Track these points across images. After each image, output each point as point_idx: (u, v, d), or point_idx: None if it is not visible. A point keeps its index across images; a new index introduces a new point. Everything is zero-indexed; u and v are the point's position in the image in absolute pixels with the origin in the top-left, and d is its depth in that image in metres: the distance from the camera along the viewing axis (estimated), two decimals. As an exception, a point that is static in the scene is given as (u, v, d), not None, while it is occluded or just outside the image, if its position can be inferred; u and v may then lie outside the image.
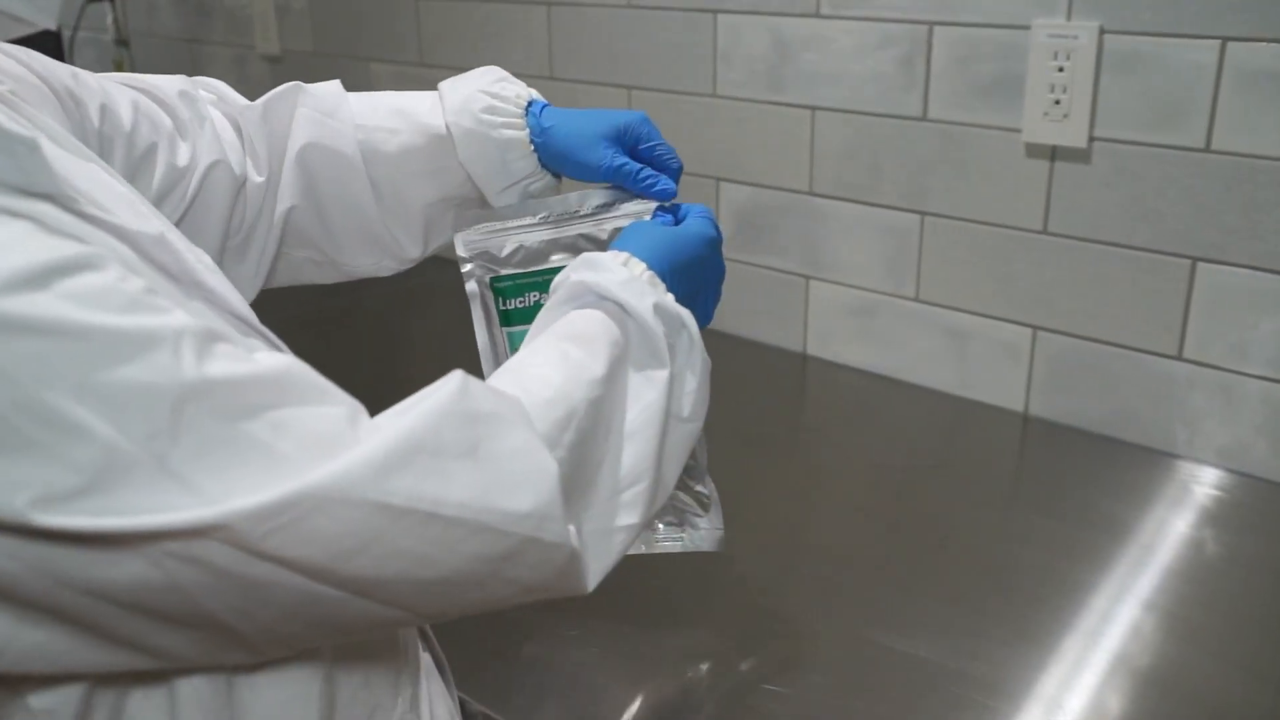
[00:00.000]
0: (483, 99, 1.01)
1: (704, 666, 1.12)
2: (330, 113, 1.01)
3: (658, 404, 0.80)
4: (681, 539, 1.00)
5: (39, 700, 0.63)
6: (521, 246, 0.97)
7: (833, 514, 1.42)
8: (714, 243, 0.92)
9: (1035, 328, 1.57)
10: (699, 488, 0.99)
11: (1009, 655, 1.12)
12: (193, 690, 0.67)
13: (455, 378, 0.66)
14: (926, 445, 1.57)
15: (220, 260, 1.00)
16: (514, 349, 0.97)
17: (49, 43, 2.79)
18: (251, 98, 1.04)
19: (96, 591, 0.57)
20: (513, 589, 0.68)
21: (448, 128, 1.00)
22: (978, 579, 1.25)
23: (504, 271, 0.98)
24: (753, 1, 1.70)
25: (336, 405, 0.62)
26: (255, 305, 0.87)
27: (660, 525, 1.01)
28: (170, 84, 0.98)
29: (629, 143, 0.98)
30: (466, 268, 0.98)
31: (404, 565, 0.62)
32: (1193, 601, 1.20)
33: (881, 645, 1.14)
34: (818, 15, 1.64)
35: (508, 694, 1.08)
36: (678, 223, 0.94)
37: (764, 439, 1.59)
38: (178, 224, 0.94)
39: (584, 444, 0.74)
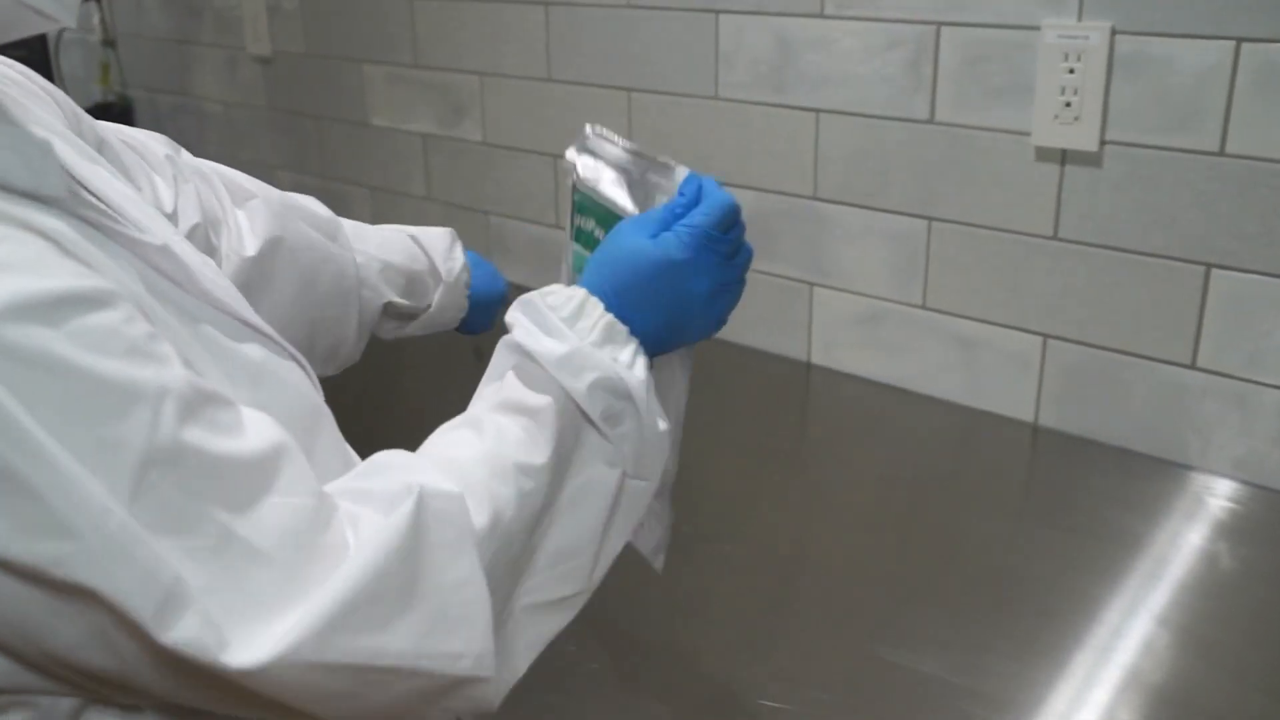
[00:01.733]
0: (465, 274, 1.25)
1: (704, 680, 1.12)
2: (333, 236, 1.15)
3: (603, 476, 0.79)
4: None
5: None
6: (607, 165, 0.95)
7: (838, 527, 1.42)
8: (675, 266, 0.83)
9: (1045, 336, 1.57)
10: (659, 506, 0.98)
11: (1018, 671, 1.12)
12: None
13: (409, 505, 0.65)
14: (934, 456, 1.57)
15: None
16: (574, 268, 0.96)
17: (34, 42, 2.80)
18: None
19: (34, 640, 0.57)
20: (444, 715, 0.70)
21: (442, 288, 1.22)
22: (986, 592, 1.25)
23: (581, 183, 0.95)
24: (755, 1, 1.71)
25: (303, 497, 0.63)
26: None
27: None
28: (157, 144, 1.04)
29: None
30: (570, 154, 0.97)
31: (337, 703, 0.63)
32: (1207, 616, 1.20)
33: (886, 660, 1.14)
34: (822, 15, 1.65)
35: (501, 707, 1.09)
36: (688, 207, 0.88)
37: (767, 450, 1.59)
38: None
39: (511, 546, 0.73)
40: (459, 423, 0.79)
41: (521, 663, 0.75)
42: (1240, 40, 1.32)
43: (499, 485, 0.73)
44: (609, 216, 0.91)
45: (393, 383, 1.88)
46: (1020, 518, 1.43)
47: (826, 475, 1.55)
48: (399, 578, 0.64)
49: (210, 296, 0.73)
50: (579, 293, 0.82)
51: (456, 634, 0.66)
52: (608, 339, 0.80)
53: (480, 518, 0.70)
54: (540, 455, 0.75)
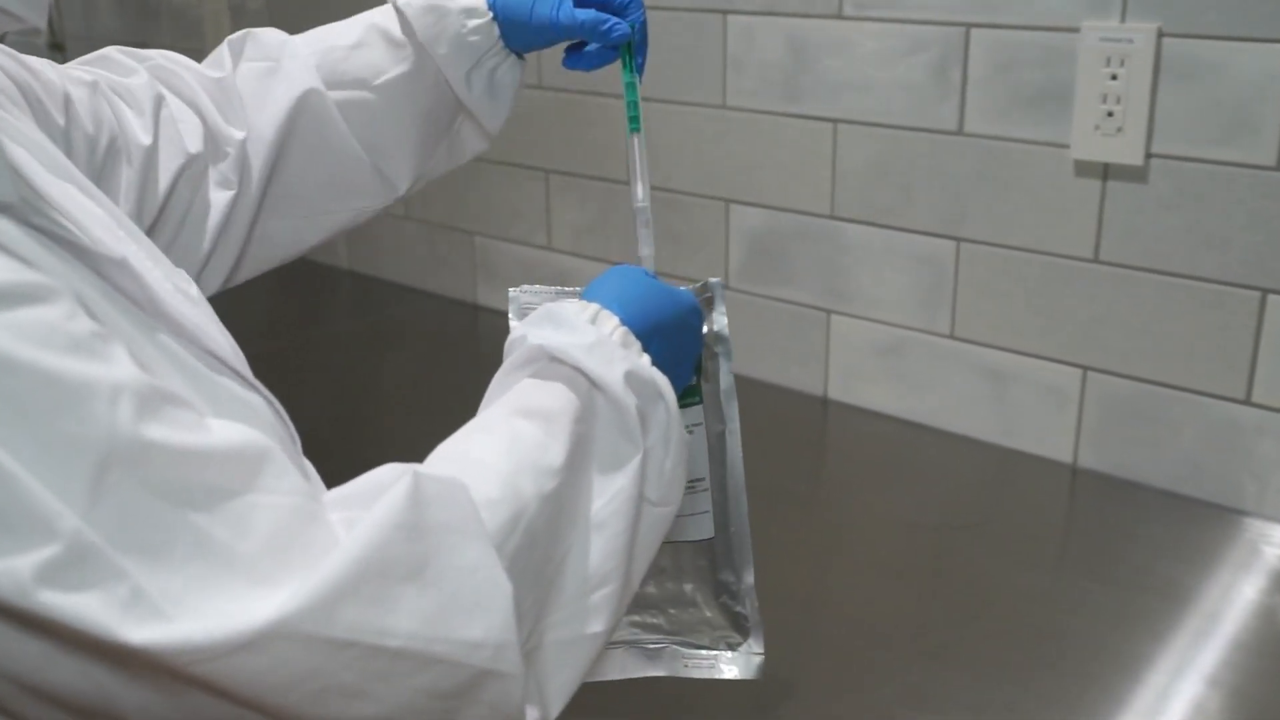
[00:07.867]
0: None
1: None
2: (276, 56, 1.08)
3: (628, 490, 0.79)
4: (715, 663, 1.01)
5: None
6: None
7: (858, 577, 1.42)
8: (699, 315, 0.96)
9: (1085, 368, 1.58)
10: (739, 609, 1.00)
11: (1056, 736, 1.13)
12: None
13: (405, 482, 0.65)
14: (963, 500, 1.57)
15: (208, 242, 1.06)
16: None
17: (-25, 45, 2.82)
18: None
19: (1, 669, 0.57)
20: None
21: (399, 10, 1.07)
22: (1020, 650, 1.25)
23: None
24: (767, 1, 1.72)
25: (287, 495, 0.62)
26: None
27: (690, 649, 1.02)
28: (139, 86, 1.04)
29: None
30: (514, 322, 1.01)
31: (344, 702, 0.62)
32: (1262, 677, 1.20)
33: (911, 724, 1.14)
34: (840, 16, 1.66)
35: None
36: None
37: (780, 492, 1.59)
38: (153, 225, 1.00)
39: (535, 547, 0.73)
40: (469, 429, 0.79)
41: (554, 707, 0.75)
42: (1298, 44, 1.34)
43: (519, 481, 0.73)
44: None
45: (386, 416, 1.89)
46: (1057, 568, 1.44)
47: (845, 520, 1.55)
48: (405, 554, 0.63)
49: (170, 320, 0.73)
50: (591, 305, 0.86)
51: (474, 620, 0.65)
52: (626, 344, 0.84)
53: (501, 512, 0.71)
54: (558, 457, 0.76)
